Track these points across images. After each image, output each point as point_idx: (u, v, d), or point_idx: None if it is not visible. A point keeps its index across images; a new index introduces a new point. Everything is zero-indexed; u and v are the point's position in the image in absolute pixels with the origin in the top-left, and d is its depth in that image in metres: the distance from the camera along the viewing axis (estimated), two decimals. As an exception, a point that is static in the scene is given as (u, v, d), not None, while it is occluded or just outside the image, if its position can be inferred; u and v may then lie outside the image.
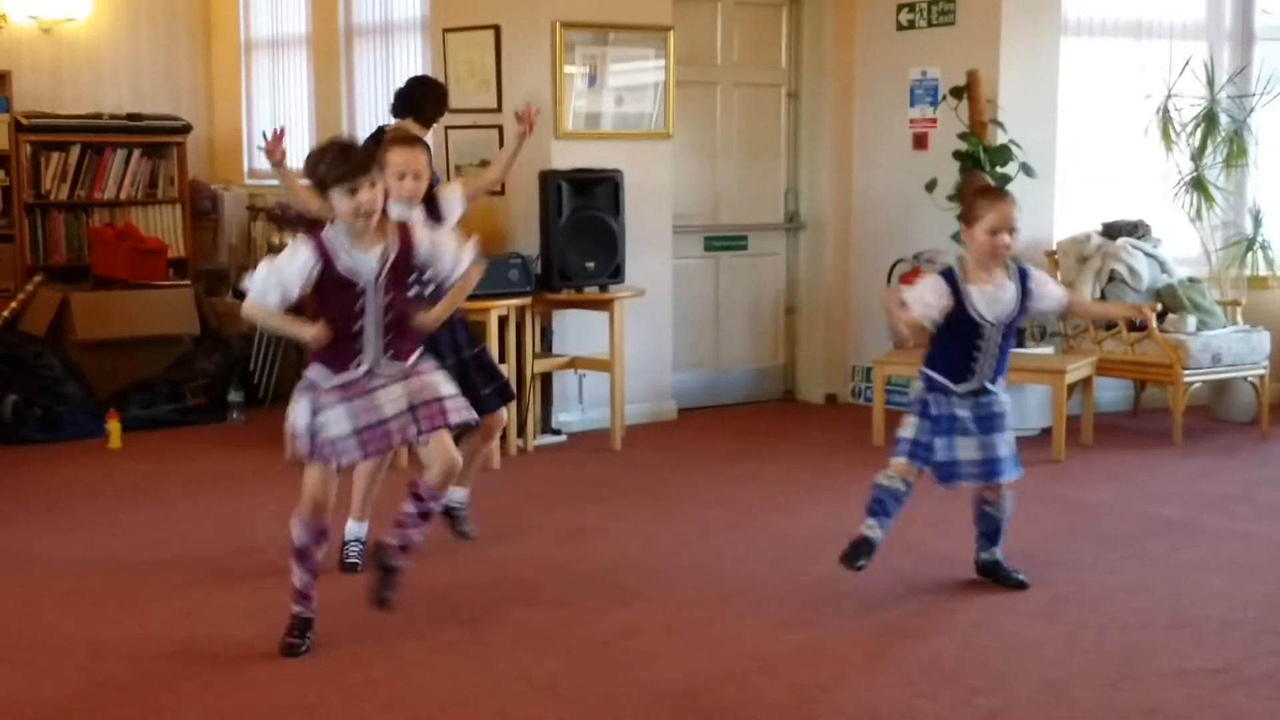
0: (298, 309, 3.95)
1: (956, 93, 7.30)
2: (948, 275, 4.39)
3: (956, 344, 4.38)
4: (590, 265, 6.84)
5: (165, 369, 7.74)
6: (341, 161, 3.85)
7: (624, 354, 6.89)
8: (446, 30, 7.45)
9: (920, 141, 7.70)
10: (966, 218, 4.37)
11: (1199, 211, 7.61)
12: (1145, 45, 7.74)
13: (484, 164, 7.29)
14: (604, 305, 6.86)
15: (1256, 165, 7.81)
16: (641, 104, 7.38)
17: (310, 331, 3.88)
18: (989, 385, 4.44)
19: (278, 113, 9.28)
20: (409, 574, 4.73)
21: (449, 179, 7.29)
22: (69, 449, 6.87)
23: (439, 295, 4.13)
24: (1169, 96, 7.55)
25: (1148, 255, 7.43)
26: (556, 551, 5.12)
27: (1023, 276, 4.41)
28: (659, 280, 7.36)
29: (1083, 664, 3.94)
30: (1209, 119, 7.57)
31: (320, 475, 3.93)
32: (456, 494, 4.96)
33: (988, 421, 4.43)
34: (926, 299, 4.36)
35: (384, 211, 3.96)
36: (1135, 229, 7.54)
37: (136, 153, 8.69)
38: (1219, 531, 5.37)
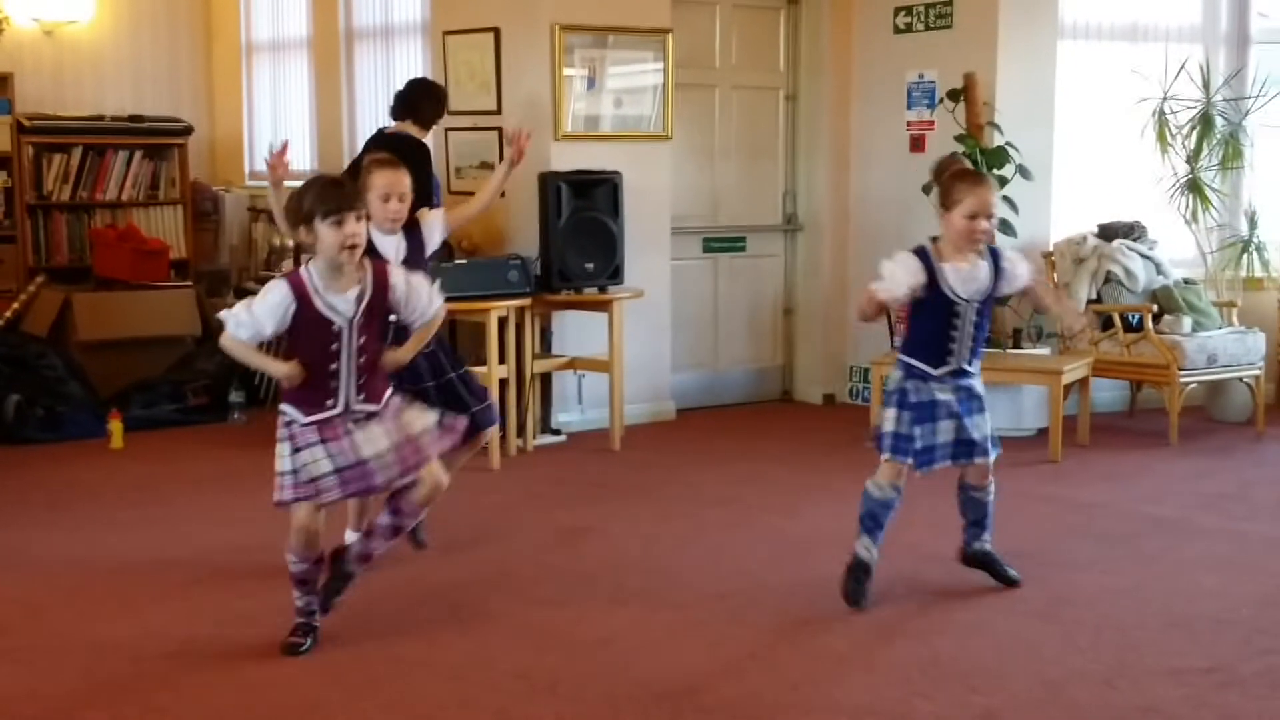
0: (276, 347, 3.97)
1: (953, 95, 7.33)
2: (921, 254, 4.31)
3: (933, 325, 4.33)
4: (589, 266, 6.87)
5: (167, 369, 7.76)
6: (329, 193, 3.86)
7: (623, 354, 6.91)
8: (446, 33, 7.47)
9: (917, 144, 7.73)
10: (944, 201, 4.27)
11: (1195, 213, 7.64)
12: (1141, 48, 7.77)
13: (484, 166, 7.33)
14: (603, 306, 6.89)
15: (1252, 167, 7.84)
16: (640, 106, 7.41)
17: (283, 369, 3.89)
18: (967, 367, 4.38)
19: (278, 115, 9.32)
20: (410, 575, 4.78)
21: (448, 181, 7.34)
22: (71, 449, 6.89)
23: (406, 334, 4.16)
24: (1165, 99, 7.58)
25: (1144, 257, 7.46)
26: (556, 551, 5.15)
27: (995, 255, 4.36)
28: (658, 281, 7.39)
29: (1079, 663, 3.97)
30: (1205, 121, 7.60)
31: (307, 510, 3.95)
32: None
33: (966, 403, 4.38)
34: (898, 274, 4.28)
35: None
36: (1131, 231, 7.57)
37: (138, 154, 8.72)
38: (1214, 531, 5.40)
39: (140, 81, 9.33)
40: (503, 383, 6.53)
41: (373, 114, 8.35)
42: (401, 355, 4.11)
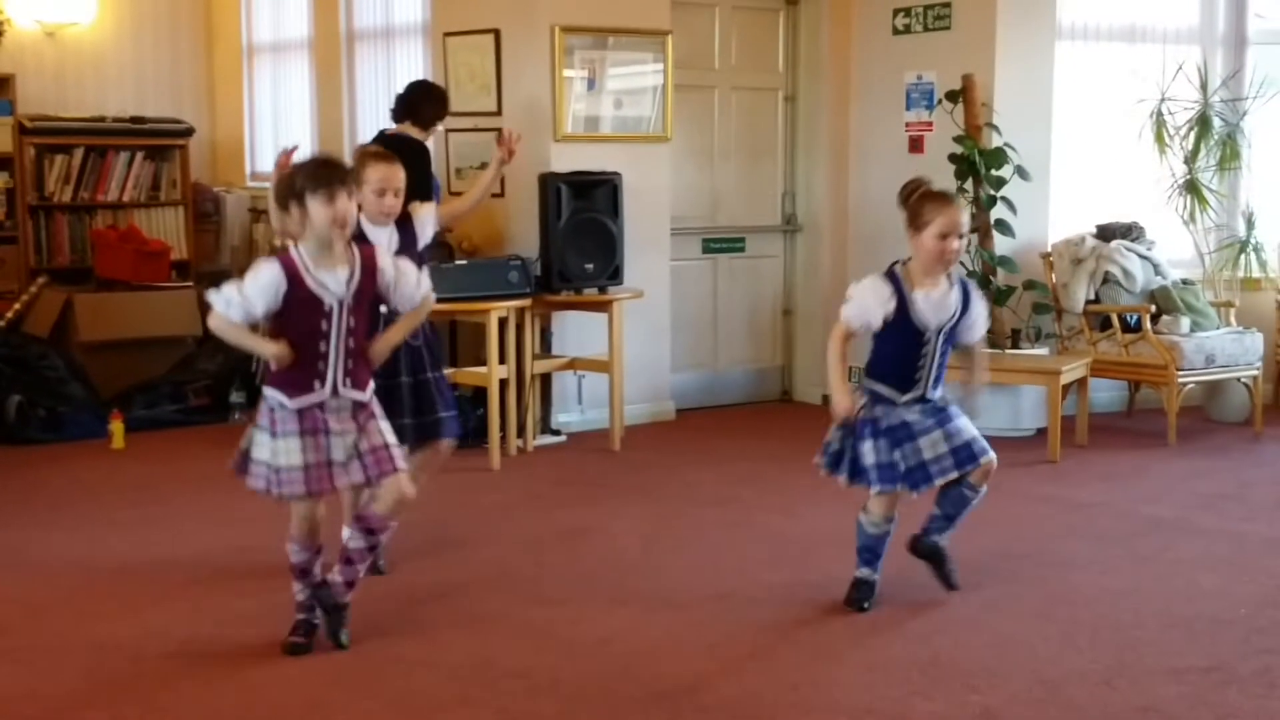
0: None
1: (952, 96, 7.34)
2: (891, 278, 4.23)
3: (899, 352, 4.26)
4: (589, 267, 6.88)
5: (168, 370, 7.78)
6: (322, 170, 3.88)
7: (623, 355, 6.93)
8: (447, 34, 7.49)
9: (916, 145, 7.75)
10: (913, 223, 4.20)
11: (1192, 214, 7.65)
12: (1139, 49, 7.79)
13: (484, 167, 7.33)
14: (603, 307, 6.90)
15: (1249, 168, 7.85)
16: (640, 107, 7.42)
17: (273, 349, 3.89)
18: (930, 395, 4.30)
19: (279, 116, 9.33)
20: (410, 575, 4.80)
21: (448, 182, 7.35)
22: (72, 449, 6.90)
23: (392, 321, 4.17)
24: (1163, 100, 7.59)
25: (1141, 257, 7.47)
26: (556, 551, 5.16)
27: (965, 293, 4.30)
28: (657, 282, 7.41)
29: (1077, 663, 3.98)
30: (1202, 122, 7.62)
31: (308, 500, 3.95)
32: None
33: (941, 414, 4.30)
34: (868, 302, 4.22)
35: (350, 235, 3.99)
36: (1129, 231, 7.58)
37: (139, 155, 8.72)
38: (1212, 531, 5.41)
39: (141, 83, 9.34)
40: (503, 383, 6.55)
41: (373, 115, 8.36)
42: (388, 340, 4.10)
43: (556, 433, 7.17)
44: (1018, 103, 7.42)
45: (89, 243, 8.50)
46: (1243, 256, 7.76)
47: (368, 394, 4.01)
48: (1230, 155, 7.68)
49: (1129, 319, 7.24)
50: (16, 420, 7.06)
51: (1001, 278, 7.34)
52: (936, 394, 4.32)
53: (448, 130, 7.27)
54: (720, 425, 7.60)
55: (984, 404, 7.03)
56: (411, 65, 8.07)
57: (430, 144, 6.55)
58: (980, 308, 4.37)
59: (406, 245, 4.70)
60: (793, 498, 5.91)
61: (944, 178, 7.19)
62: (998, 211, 7.30)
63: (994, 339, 7.30)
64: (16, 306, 7.92)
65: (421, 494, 5.48)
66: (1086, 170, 7.78)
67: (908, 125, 7.79)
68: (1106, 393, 7.74)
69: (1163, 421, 7.13)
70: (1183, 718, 3.61)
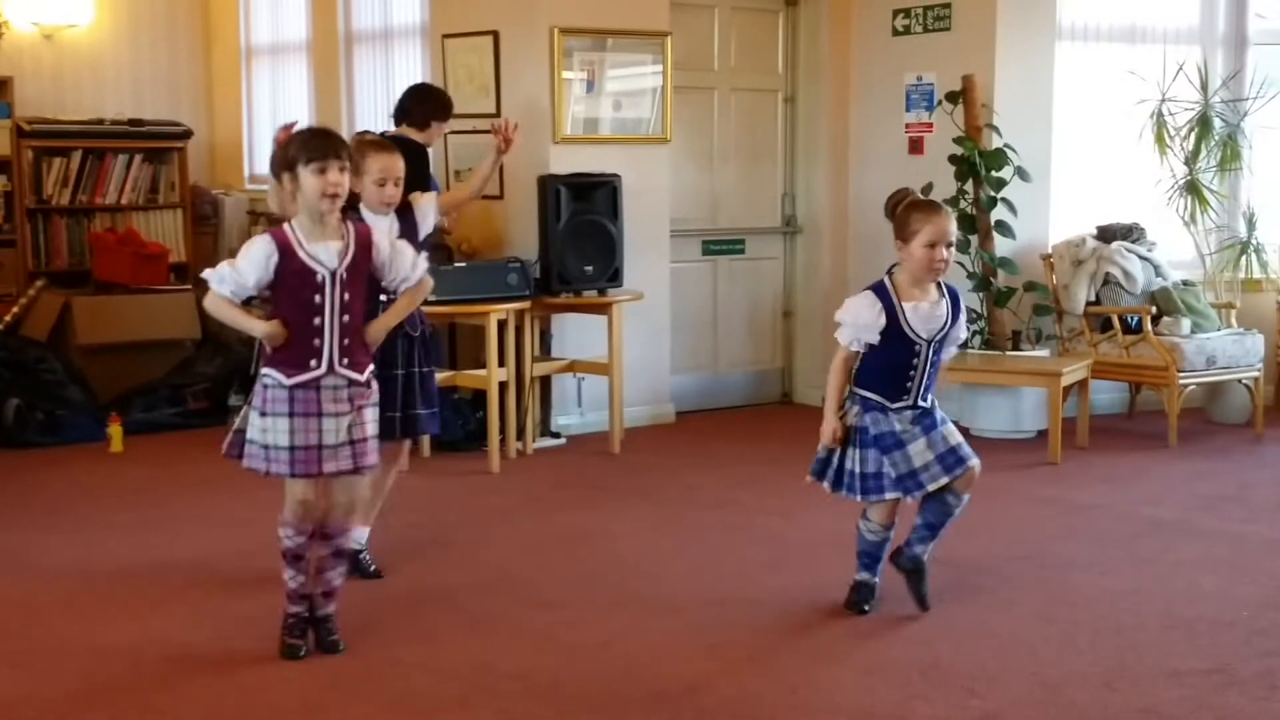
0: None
1: (952, 97, 7.34)
2: (880, 291, 4.21)
3: (891, 362, 4.23)
4: (589, 269, 6.87)
5: (166, 373, 7.77)
6: (313, 141, 3.88)
7: (622, 357, 6.92)
8: (446, 36, 7.48)
9: (916, 146, 7.74)
10: (901, 233, 4.19)
11: (1193, 215, 7.65)
12: (1139, 50, 7.78)
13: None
14: (602, 309, 6.90)
15: (1250, 169, 7.85)
16: (639, 109, 7.42)
17: (265, 327, 3.88)
18: (923, 403, 4.28)
19: (278, 118, 9.29)
20: (409, 578, 4.79)
21: (447, 184, 7.34)
22: (70, 452, 6.90)
23: (390, 303, 4.16)
24: (1163, 101, 7.59)
25: (1142, 258, 7.47)
26: (556, 553, 5.16)
27: (954, 302, 4.27)
28: (657, 284, 7.40)
29: (1077, 665, 3.97)
30: (1203, 123, 7.61)
31: (303, 482, 3.94)
32: (358, 533, 4.75)
33: (927, 421, 4.27)
34: (863, 317, 4.20)
35: (344, 212, 3.98)
36: (1130, 232, 7.58)
37: (138, 158, 8.72)
38: (1213, 533, 5.40)
39: (140, 85, 9.33)
40: (502, 386, 6.54)
41: (372, 117, 8.34)
42: (384, 322, 4.08)
43: (556, 435, 7.16)
44: (1018, 104, 7.41)
45: (87, 246, 8.50)
46: (1243, 258, 7.75)
47: (365, 376, 3.99)
48: (1231, 156, 7.67)
49: (1130, 320, 7.23)
50: (15, 423, 7.05)
51: (1002, 279, 7.34)
52: (928, 402, 4.30)
53: (447, 132, 7.25)
54: (720, 428, 7.59)
55: (982, 406, 7.10)
56: (410, 67, 8.07)
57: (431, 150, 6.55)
58: (963, 320, 4.35)
59: (406, 234, 4.72)
60: (792, 500, 5.89)
61: (944, 179, 7.21)
62: (998, 213, 7.29)
63: (994, 341, 7.30)
64: (15, 310, 7.91)
65: (417, 494, 5.50)
66: (1087, 171, 7.77)
67: (908, 126, 7.79)
68: (1107, 394, 7.73)
69: (1164, 423, 7.12)
70: (1184, 720, 3.61)
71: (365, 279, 3.99)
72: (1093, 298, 7.41)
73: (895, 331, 4.19)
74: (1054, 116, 7.60)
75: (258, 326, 3.91)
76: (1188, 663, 3.99)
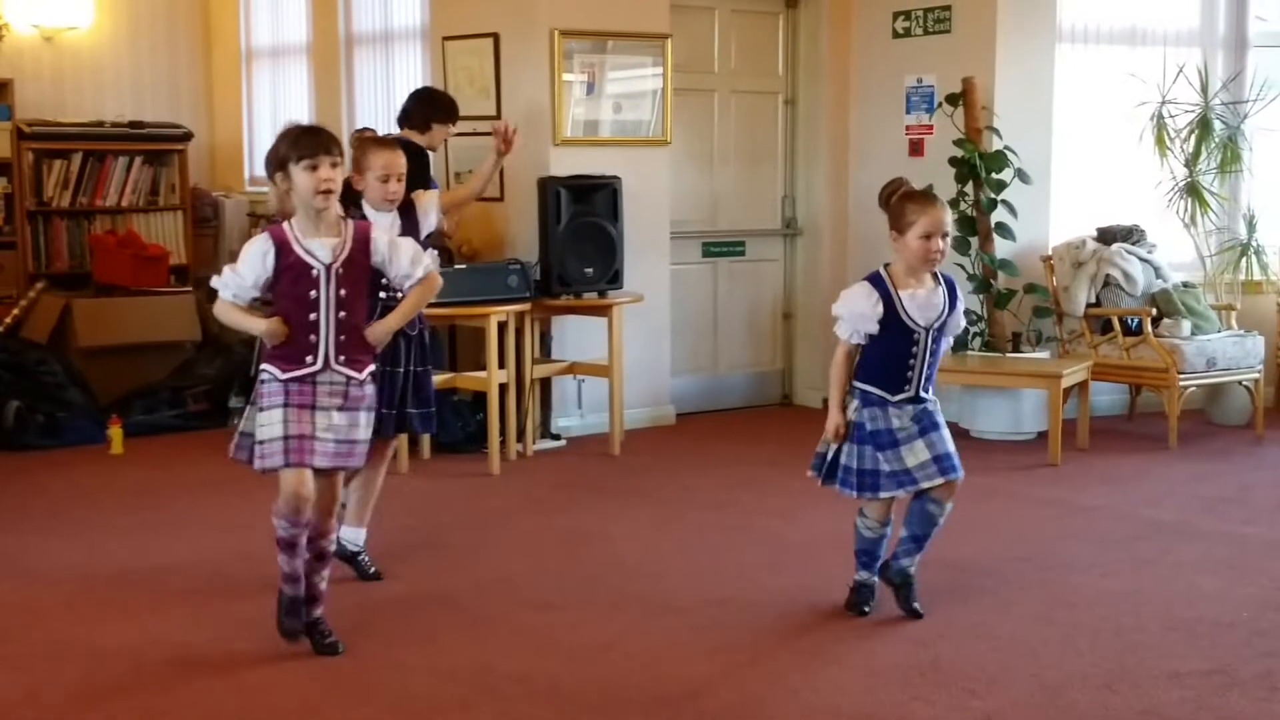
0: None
1: (952, 99, 7.34)
2: (876, 281, 4.21)
3: (890, 352, 4.22)
4: (589, 271, 6.87)
5: (167, 375, 7.77)
6: (303, 139, 3.88)
7: (623, 359, 6.92)
8: (446, 38, 7.49)
9: (916, 148, 7.74)
10: (896, 225, 4.19)
11: (1193, 217, 7.65)
12: (1140, 52, 7.78)
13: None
14: (603, 311, 6.90)
15: (1250, 171, 7.85)
16: (639, 111, 7.42)
17: (264, 325, 3.89)
18: (923, 394, 4.26)
19: (278, 120, 9.30)
20: (409, 580, 4.79)
21: (448, 186, 7.34)
22: (71, 455, 6.89)
23: (388, 310, 4.15)
24: (1163, 103, 7.59)
25: (1142, 260, 7.47)
26: (556, 555, 5.15)
27: (952, 291, 4.27)
28: (657, 286, 7.40)
29: (1078, 666, 3.97)
30: (1203, 125, 7.62)
31: (295, 476, 3.92)
32: (354, 535, 4.82)
33: (927, 420, 4.25)
34: (861, 307, 4.20)
35: (346, 208, 3.99)
36: (1130, 234, 7.58)
37: (138, 160, 8.72)
38: (1213, 534, 5.40)
39: (140, 87, 9.34)
40: (502, 388, 6.54)
41: (372, 120, 8.34)
42: (390, 323, 4.08)
43: (556, 437, 7.16)
44: (1018, 106, 7.42)
45: (87, 248, 8.50)
46: (1244, 259, 7.75)
47: (363, 375, 3.99)
48: (1231, 158, 7.67)
49: (1130, 322, 7.23)
50: (15, 426, 7.04)
51: (1002, 281, 7.34)
52: (929, 394, 4.30)
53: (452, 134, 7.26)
54: (720, 429, 7.59)
55: (982, 408, 7.11)
56: (411, 69, 8.08)
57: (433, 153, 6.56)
58: (960, 308, 4.34)
59: (408, 232, 4.74)
60: (792, 502, 5.90)
61: (944, 181, 7.20)
62: (998, 215, 7.29)
63: (995, 342, 7.30)
64: (15, 312, 7.92)
65: (417, 496, 5.50)
66: (1087, 173, 7.77)
67: (908, 128, 7.79)
68: (1107, 396, 7.73)
69: (1164, 425, 7.12)
70: (1185, 722, 3.61)
71: (365, 277, 3.99)
72: (1093, 299, 7.41)
73: (893, 320, 4.19)
74: (1054, 119, 7.60)
75: (257, 324, 3.93)
76: (1188, 664, 3.98)
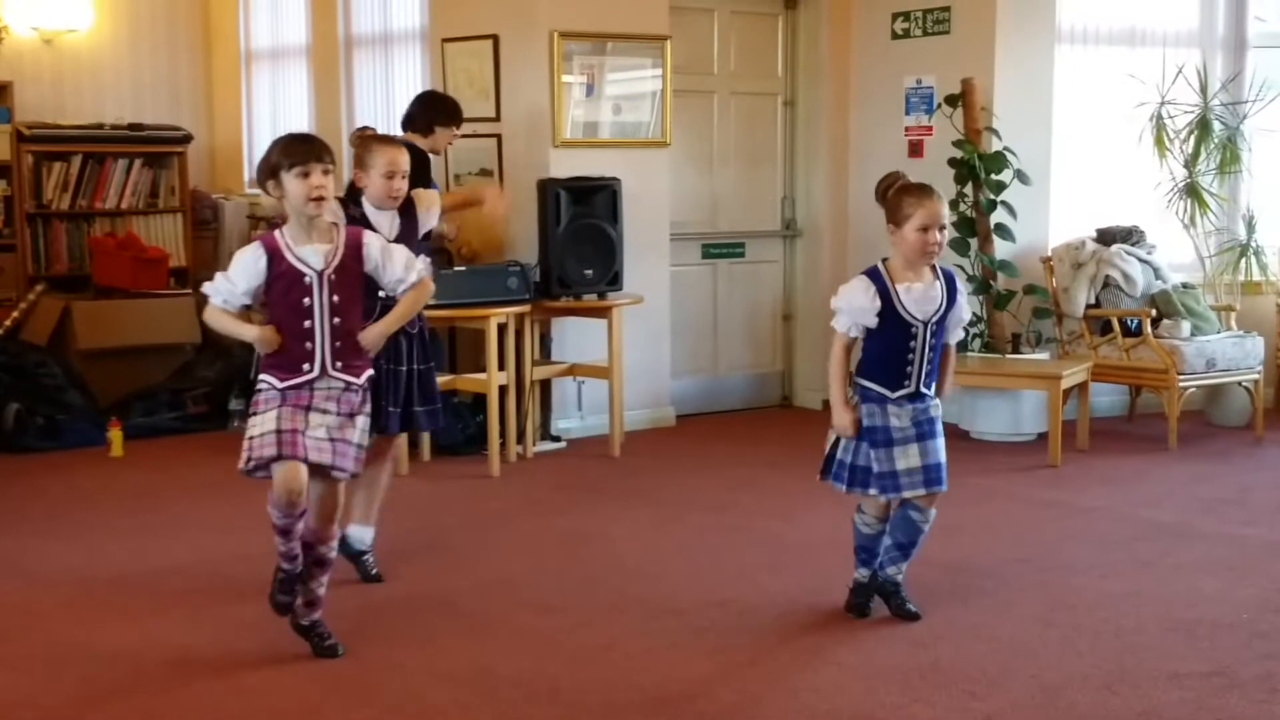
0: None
1: (951, 101, 7.34)
2: (873, 275, 4.21)
3: (889, 347, 4.22)
4: (589, 273, 6.87)
5: (167, 377, 7.78)
6: (294, 146, 3.90)
7: (623, 361, 6.92)
8: (445, 40, 7.49)
9: (915, 149, 7.74)
10: (893, 218, 4.19)
11: (1193, 218, 7.65)
12: (1139, 53, 7.79)
13: (483, 172, 7.35)
14: (602, 312, 6.90)
15: (1250, 172, 7.85)
16: (639, 113, 7.42)
17: (257, 332, 3.89)
18: (924, 389, 4.27)
19: (278, 123, 9.32)
20: (409, 581, 4.79)
21: (447, 188, 7.35)
22: (71, 457, 6.89)
23: (388, 309, 4.15)
24: (1162, 104, 7.59)
25: (1142, 261, 7.47)
26: (556, 557, 5.15)
27: (950, 285, 4.26)
28: (657, 287, 7.40)
29: (1078, 667, 3.97)
30: (1202, 126, 7.62)
31: (288, 466, 3.91)
32: (362, 533, 4.84)
33: (926, 426, 4.25)
34: (858, 301, 4.20)
35: (346, 205, 3.99)
36: (1130, 235, 7.58)
37: (137, 162, 8.72)
38: (1213, 535, 5.40)
39: (139, 90, 9.34)
40: (502, 389, 6.54)
41: (372, 121, 8.34)
42: (383, 327, 4.07)
43: (556, 439, 7.16)
44: (1017, 107, 7.42)
45: (87, 250, 8.50)
46: (1243, 260, 7.75)
47: (360, 380, 3.99)
48: (1230, 159, 7.67)
49: (1129, 323, 7.23)
50: (15, 428, 7.05)
51: (1002, 282, 7.34)
52: (930, 391, 4.29)
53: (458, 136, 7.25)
54: (720, 431, 7.59)
55: (982, 409, 7.11)
56: (410, 71, 8.08)
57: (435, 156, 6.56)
58: (962, 301, 4.33)
59: (408, 229, 4.75)
60: (792, 503, 5.90)
61: (944, 182, 7.19)
62: (998, 216, 7.30)
63: (994, 343, 7.30)
64: (15, 314, 7.92)
65: (417, 498, 5.50)
66: (1086, 174, 7.77)
67: (907, 130, 7.79)
68: (1107, 397, 7.73)
69: (1163, 426, 7.12)
70: (1185, 723, 3.61)
71: (358, 282, 3.99)
72: (1092, 300, 7.41)
73: (891, 314, 4.19)
74: (1053, 119, 7.60)
75: (249, 332, 3.93)
76: (1188, 665, 3.98)
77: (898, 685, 3.84)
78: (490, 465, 6.47)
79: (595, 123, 7.29)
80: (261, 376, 3.96)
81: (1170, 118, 7.61)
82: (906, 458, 4.23)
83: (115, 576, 4.90)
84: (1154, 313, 7.27)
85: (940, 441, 4.29)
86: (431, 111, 6.32)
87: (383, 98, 8.34)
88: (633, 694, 3.79)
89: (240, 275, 3.90)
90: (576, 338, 7.22)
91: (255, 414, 3.94)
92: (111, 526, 5.60)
